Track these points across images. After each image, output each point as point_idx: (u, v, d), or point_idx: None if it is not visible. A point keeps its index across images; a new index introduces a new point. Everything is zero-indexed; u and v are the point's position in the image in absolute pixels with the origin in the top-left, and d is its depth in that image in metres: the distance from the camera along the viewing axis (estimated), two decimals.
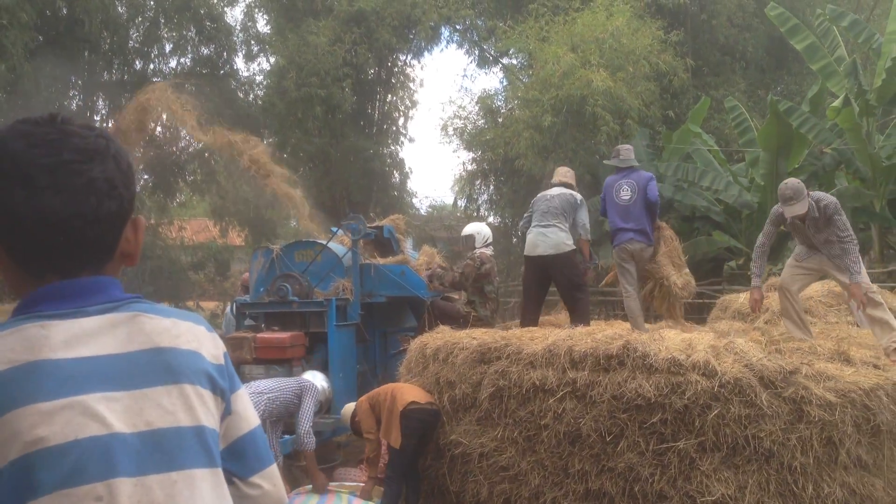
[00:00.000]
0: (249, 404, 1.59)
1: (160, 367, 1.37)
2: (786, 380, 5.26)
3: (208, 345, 1.49)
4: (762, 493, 5.20)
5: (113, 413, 1.30)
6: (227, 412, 1.50)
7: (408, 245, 9.67)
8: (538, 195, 8.13)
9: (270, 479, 1.59)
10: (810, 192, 6.56)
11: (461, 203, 23.71)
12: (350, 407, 6.82)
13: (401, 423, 6.26)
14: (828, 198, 6.57)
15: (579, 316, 7.60)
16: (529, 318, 7.78)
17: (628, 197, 7.69)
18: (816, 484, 5.19)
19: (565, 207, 7.81)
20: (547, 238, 7.76)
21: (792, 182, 6.60)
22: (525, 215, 8.17)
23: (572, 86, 15.12)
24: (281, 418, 6.61)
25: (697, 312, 14.54)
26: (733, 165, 17.28)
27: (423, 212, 32.45)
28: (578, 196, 7.97)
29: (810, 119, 13.77)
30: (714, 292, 14.57)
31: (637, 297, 7.77)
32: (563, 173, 8.30)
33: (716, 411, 5.24)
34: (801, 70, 20.28)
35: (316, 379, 7.03)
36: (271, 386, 6.53)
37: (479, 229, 8.70)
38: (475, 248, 8.44)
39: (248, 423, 1.56)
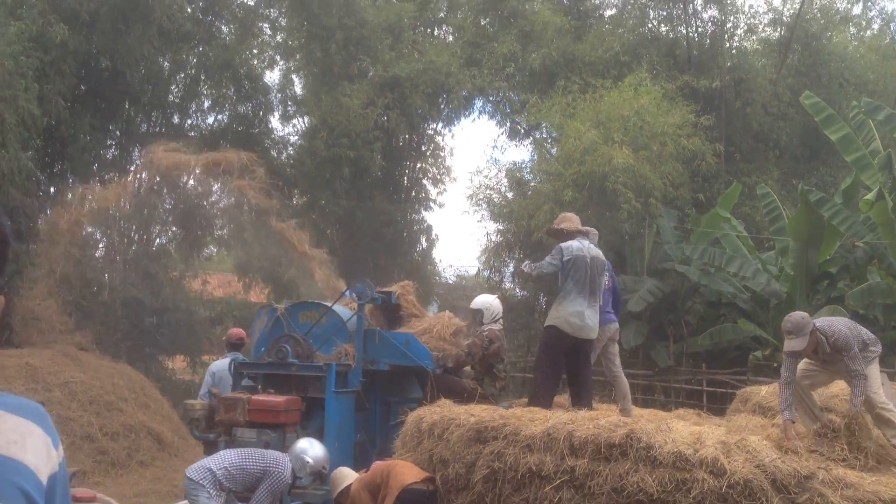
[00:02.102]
0: None
1: None
2: (800, 485, 4.90)
3: (36, 451, 1.19)
4: None
5: None
6: None
7: (432, 310, 9.41)
8: (573, 251, 7.25)
9: None
10: (818, 327, 6.21)
11: (485, 273, 23.48)
12: (340, 473, 6.46)
13: None
14: (839, 332, 6.19)
15: (588, 397, 7.29)
16: (549, 396, 7.33)
17: (609, 283, 7.53)
18: None
19: (602, 275, 7.42)
20: (594, 320, 7.27)
21: (795, 316, 6.32)
22: (550, 262, 7.29)
23: (594, 162, 15.02)
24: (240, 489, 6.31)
25: (720, 402, 14.09)
26: (763, 253, 16.97)
27: (449, 280, 32.30)
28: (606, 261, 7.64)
29: (842, 211, 13.49)
30: (738, 382, 14.12)
31: None
32: (577, 220, 7.75)
33: None
34: (836, 161, 20.05)
35: (312, 447, 6.66)
36: (232, 462, 6.22)
37: (488, 304, 8.28)
38: (483, 325, 8.10)
39: None
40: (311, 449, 6.61)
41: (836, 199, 14.05)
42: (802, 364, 6.55)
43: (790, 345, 6.18)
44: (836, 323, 6.40)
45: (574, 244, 7.32)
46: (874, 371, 6.33)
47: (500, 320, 8.22)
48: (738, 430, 6.25)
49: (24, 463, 1.16)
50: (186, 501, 6.71)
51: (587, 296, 7.20)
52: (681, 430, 5.44)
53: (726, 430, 6.11)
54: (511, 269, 21.25)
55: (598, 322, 7.31)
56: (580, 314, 7.17)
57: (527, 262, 7.85)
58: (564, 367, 7.44)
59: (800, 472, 4.92)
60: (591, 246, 7.50)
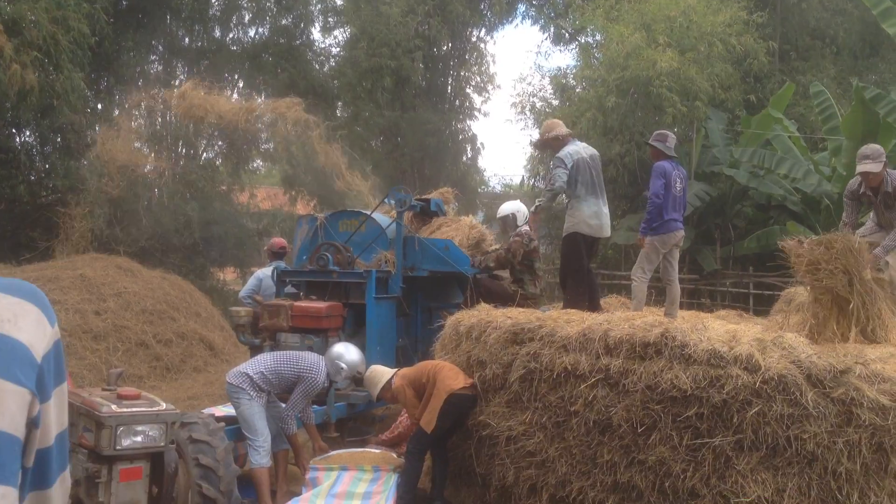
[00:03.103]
0: (62, 410, 1.30)
1: None
2: (836, 379, 4.88)
3: (30, 329, 1.23)
4: (802, 498, 4.84)
5: None
6: (35, 424, 1.23)
7: (479, 218, 9.40)
8: (572, 156, 7.34)
9: (40, 501, 1.29)
10: (890, 170, 6.57)
11: (531, 182, 23.34)
12: (376, 371, 6.60)
13: (442, 408, 6.06)
14: None
15: (598, 295, 7.57)
16: (583, 299, 7.37)
17: (681, 188, 7.33)
18: (863, 492, 4.80)
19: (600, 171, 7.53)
20: (608, 217, 7.51)
21: (874, 144, 6.84)
22: (558, 174, 7.27)
23: (638, 66, 14.61)
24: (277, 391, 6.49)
25: (766, 305, 13.97)
26: (815, 154, 16.49)
27: (496, 189, 32.19)
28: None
29: None
30: (785, 284, 13.94)
31: None
32: (562, 125, 7.80)
33: (756, 408, 4.89)
34: (895, 58, 19.21)
35: (348, 352, 6.75)
36: (267, 365, 6.35)
37: (517, 207, 8.38)
38: (518, 227, 8.15)
39: (47, 438, 1.27)
40: (346, 354, 6.69)
41: (892, 96, 13.51)
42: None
43: (865, 167, 6.58)
44: None
45: (570, 148, 7.41)
46: None
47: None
48: (778, 329, 6.22)
49: (18, 339, 1.20)
50: None
51: (598, 194, 7.35)
52: (716, 329, 5.42)
53: (764, 328, 6.07)
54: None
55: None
56: (597, 214, 7.34)
57: (536, 201, 7.80)
58: (588, 267, 7.55)
59: (836, 367, 4.89)
60: (586, 146, 7.62)
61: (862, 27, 19.69)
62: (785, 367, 4.93)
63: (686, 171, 7.79)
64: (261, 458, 6.08)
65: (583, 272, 7.46)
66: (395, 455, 6.58)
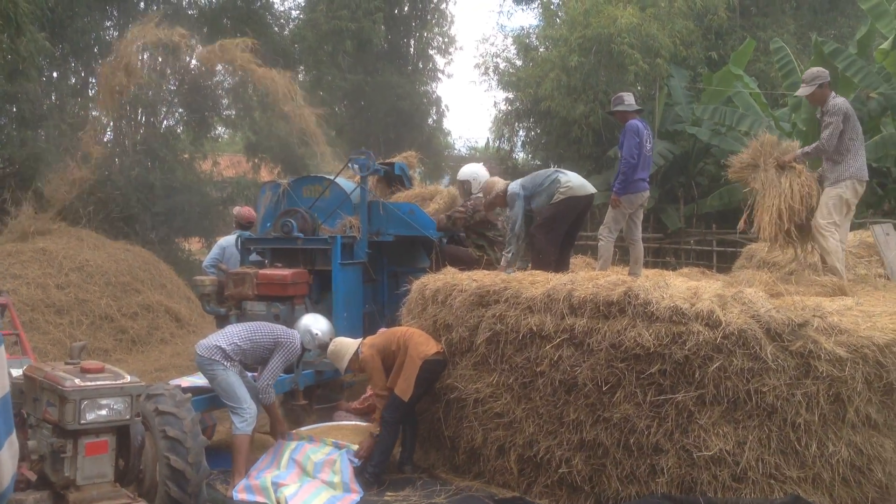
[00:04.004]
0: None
1: None
2: (794, 333, 4.98)
3: None
4: (762, 450, 4.96)
5: None
6: None
7: (444, 182, 9.37)
8: (525, 187, 7.49)
9: None
10: (835, 96, 6.97)
11: (497, 144, 23.27)
12: (341, 343, 6.58)
13: (418, 375, 6.09)
14: (836, 103, 6.83)
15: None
16: (553, 260, 7.36)
17: (649, 147, 7.34)
18: (821, 442, 4.94)
19: None
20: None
21: (815, 69, 7.18)
22: (515, 209, 7.33)
23: (599, 23, 14.57)
24: (251, 362, 6.45)
25: (730, 261, 14.14)
26: (776, 111, 16.60)
27: (462, 151, 32.09)
28: None
29: (857, 62, 13.08)
30: (747, 241, 14.12)
31: None
32: (496, 180, 7.91)
33: (717, 363, 4.99)
34: (856, 12, 19.28)
35: (317, 323, 6.74)
36: (242, 336, 6.30)
37: (475, 174, 8.34)
38: (471, 195, 8.13)
39: None
40: (316, 323, 6.70)
41: (850, 50, 13.60)
42: None
43: (799, 90, 7.12)
44: (840, 100, 6.96)
45: (515, 189, 7.41)
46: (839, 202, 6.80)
47: None
48: (738, 284, 6.32)
49: None
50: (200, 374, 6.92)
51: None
52: (678, 287, 5.48)
53: (724, 283, 6.16)
54: (521, 137, 20.98)
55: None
56: (575, 177, 7.43)
57: (503, 259, 7.55)
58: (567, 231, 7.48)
59: (794, 321, 4.99)
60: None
61: None
62: (745, 321, 5.01)
63: (650, 130, 7.81)
64: (247, 425, 6.07)
65: (558, 234, 7.35)
66: (367, 425, 6.59)
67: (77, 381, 4.27)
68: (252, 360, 6.38)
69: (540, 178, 7.27)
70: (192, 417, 5.20)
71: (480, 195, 8.02)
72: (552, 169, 7.50)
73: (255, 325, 6.54)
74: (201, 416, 5.98)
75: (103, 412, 4.29)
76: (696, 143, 16.79)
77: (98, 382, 4.33)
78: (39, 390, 4.43)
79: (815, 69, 7.20)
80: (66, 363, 4.64)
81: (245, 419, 6.07)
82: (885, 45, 12.41)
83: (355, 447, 6.18)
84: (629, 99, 7.48)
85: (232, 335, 6.30)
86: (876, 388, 4.98)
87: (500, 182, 7.65)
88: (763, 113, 15.50)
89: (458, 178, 8.50)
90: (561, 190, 7.11)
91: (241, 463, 6.09)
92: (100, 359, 8.00)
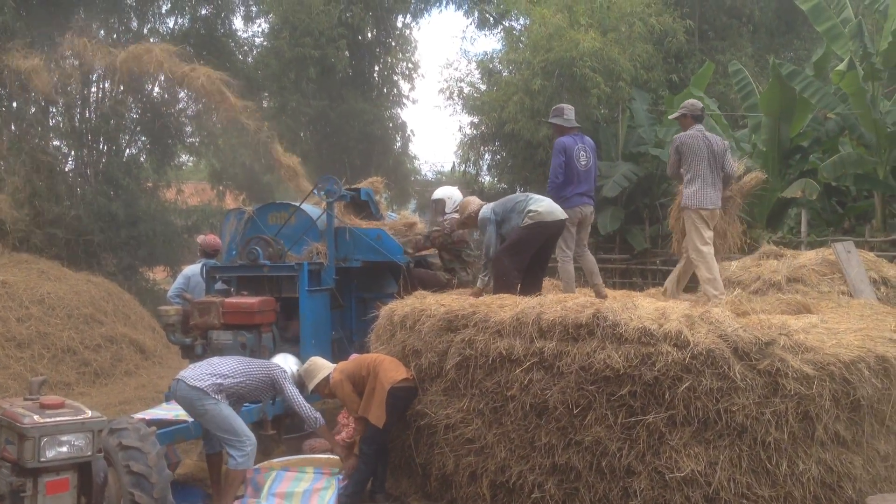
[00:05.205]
0: None
1: None
2: (761, 351, 5.01)
3: None
4: (734, 470, 4.97)
5: None
6: None
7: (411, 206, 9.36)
8: (496, 211, 7.43)
9: None
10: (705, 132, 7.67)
11: (462, 167, 23.32)
12: (314, 364, 6.49)
13: (387, 402, 6.02)
14: (678, 136, 7.69)
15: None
16: (516, 283, 7.25)
17: (585, 161, 7.40)
18: (791, 461, 4.96)
19: None
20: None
21: (690, 101, 8.07)
22: (489, 235, 7.21)
23: (561, 48, 14.74)
24: (244, 399, 6.29)
25: (696, 281, 14.24)
26: (736, 132, 16.85)
27: (428, 176, 32.09)
28: None
29: (814, 83, 13.35)
30: None
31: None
32: (471, 200, 7.83)
33: (687, 384, 5.00)
34: (811, 34, 19.70)
35: (287, 362, 6.60)
36: (236, 370, 6.13)
37: (449, 193, 8.36)
38: (445, 214, 8.13)
39: None
40: (285, 362, 6.54)
41: (807, 72, 13.87)
42: None
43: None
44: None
45: (486, 213, 7.34)
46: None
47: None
48: (704, 304, 6.36)
49: None
50: (167, 404, 6.77)
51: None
52: (646, 307, 5.50)
53: (691, 304, 6.19)
54: (487, 161, 21.04)
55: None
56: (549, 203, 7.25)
57: (479, 281, 7.43)
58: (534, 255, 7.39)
59: (761, 340, 5.02)
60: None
61: (777, 4, 20.14)
62: (713, 341, 5.04)
63: (594, 142, 7.79)
64: (247, 459, 5.86)
65: (524, 258, 7.11)
66: (337, 458, 6.49)
67: (36, 417, 4.17)
68: (249, 396, 6.22)
69: (511, 203, 7.22)
70: (157, 451, 5.07)
71: (456, 215, 7.98)
72: (523, 194, 7.48)
73: (243, 360, 6.32)
74: (166, 450, 5.83)
75: (64, 449, 4.19)
76: (659, 164, 16.95)
77: (58, 418, 4.22)
78: None
79: (689, 101, 7.95)
80: (25, 399, 4.52)
81: (245, 452, 5.85)
82: (841, 66, 12.66)
83: (337, 471, 6.12)
84: (569, 114, 7.57)
85: (225, 368, 6.06)
86: (843, 405, 5.02)
87: (474, 202, 7.61)
88: (724, 134, 15.71)
89: (432, 197, 8.52)
90: (530, 215, 7.08)
91: (230, 498, 5.91)
92: (62, 393, 7.83)
